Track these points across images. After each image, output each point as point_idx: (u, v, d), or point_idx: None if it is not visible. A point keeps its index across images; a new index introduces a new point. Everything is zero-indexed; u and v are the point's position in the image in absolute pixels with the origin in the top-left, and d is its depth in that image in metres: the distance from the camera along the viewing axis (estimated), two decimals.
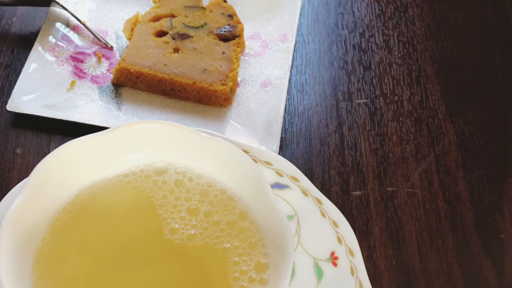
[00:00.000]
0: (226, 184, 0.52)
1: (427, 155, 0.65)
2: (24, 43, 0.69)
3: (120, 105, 0.65)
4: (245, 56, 0.69)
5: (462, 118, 0.68)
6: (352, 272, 0.54)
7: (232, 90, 0.65)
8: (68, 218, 0.50)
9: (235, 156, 0.51)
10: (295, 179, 0.57)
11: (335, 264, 0.55)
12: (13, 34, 0.70)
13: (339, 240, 0.55)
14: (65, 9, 0.69)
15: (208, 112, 0.65)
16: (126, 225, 0.51)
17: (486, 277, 0.58)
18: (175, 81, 0.65)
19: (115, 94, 0.66)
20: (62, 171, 0.49)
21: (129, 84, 0.66)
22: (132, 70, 0.65)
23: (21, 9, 0.72)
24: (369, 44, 0.72)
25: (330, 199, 0.60)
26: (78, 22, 0.69)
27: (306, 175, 0.61)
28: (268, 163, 0.57)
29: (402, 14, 0.75)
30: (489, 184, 0.64)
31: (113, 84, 0.66)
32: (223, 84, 0.64)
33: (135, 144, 0.52)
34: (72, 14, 0.69)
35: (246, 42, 0.70)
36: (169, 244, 0.50)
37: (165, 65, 0.66)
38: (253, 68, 0.68)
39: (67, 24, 0.69)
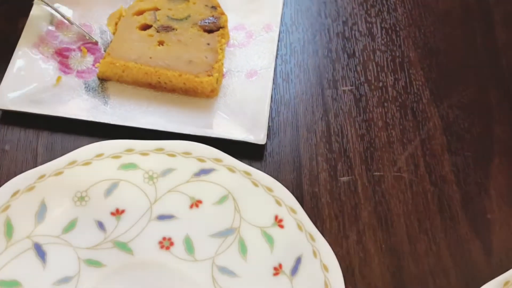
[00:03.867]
0: None
1: (413, 139, 0.66)
2: (8, 40, 0.69)
3: (106, 99, 0.65)
4: (229, 47, 0.70)
5: (446, 102, 0.69)
6: (300, 228, 0.56)
7: (218, 81, 0.66)
8: None
9: None
10: (218, 159, 0.59)
11: (281, 226, 0.57)
12: None
13: (278, 203, 0.57)
14: (49, 5, 0.69)
15: (195, 104, 0.65)
16: None
17: (475, 256, 0.59)
18: (161, 73, 0.65)
19: (101, 88, 0.66)
20: None
21: (115, 78, 0.66)
22: (117, 64, 0.65)
23: (4, 6, 0.71)
24: (353, 32, 0.73)
25: (318, 185, 0.61)
26: (62, 18, 0.69)
27: (294, 162, 0.62)
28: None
29: (384, 1, 0.76)
30: (475, 166, 0.65)
31: (99, 78, 0.67)
32: (208, 75, 0.65)
33: None
34: (55, 10, 0.69)
35: (231, 33, 0.70)
36: None
37: (151, 58, 0.66)
38: (238, 59, 0.69)
39: (51, 20, 0.69)
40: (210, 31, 0.68)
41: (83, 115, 0.63)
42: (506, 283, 0.54)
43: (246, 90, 0.66)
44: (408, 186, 0.63)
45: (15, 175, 0.56)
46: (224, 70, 0.68)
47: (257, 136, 0.63)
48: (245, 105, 0.65)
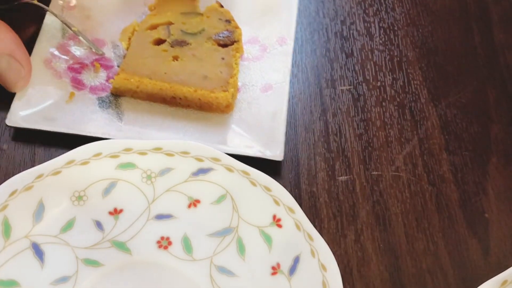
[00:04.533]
0: None
1: (411, 139, 0.66)
2: None
3: (121, 116, 0.65)
4: (244, 61, 0.69)
5: (444, 101, 0.68)
6: (298, 227, 0.56)
7: (233, 96, 0.65)
8: None
9: None
10: (216, 159, 0.59)
11: (279, 226, 0.57)
12: None
13: (276, 202, 0.57)
14: (60, 18, 0.68)
15: (210, 119, 0.65)
16: None
17: (472, 255, 0.59)
18: (176, 89, 0.64)
19: (115, 104, 0.65)
20: None
21: (129, 93, 0.66)
22: (131, 80, 0.65)
23: (16, 20, 0.69)
24: (351, 32, 0.73)
25: (316, 185, 0.61)
26: (74, 32, 0.69)
27: (292, 162, 0.63)
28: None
29: (382, 0, 0.76)
30: (472, 165, 0.64)
31: (112, 94, 0.66)
32: (224, 91, 0.64)
33: None
34: (66, 24, 0.68)
35: (244, 47, 0.70)
36: None
37: (165, 73, 0.65)
38: (252, 73, 0.68)
39: (63, 35, 0.69)
40: (224, 45, 0.68)
41: (98, 132, 0.62)
42: (504, 282, 0.53)
43: (261, 105, 0.66)
44: (406, 185, 0.63)
45: (13, 174, 0.56)
46: (239, 84, 0.67)
47: (274, 152, 0.62)
48: (260, 120, 0.64)
